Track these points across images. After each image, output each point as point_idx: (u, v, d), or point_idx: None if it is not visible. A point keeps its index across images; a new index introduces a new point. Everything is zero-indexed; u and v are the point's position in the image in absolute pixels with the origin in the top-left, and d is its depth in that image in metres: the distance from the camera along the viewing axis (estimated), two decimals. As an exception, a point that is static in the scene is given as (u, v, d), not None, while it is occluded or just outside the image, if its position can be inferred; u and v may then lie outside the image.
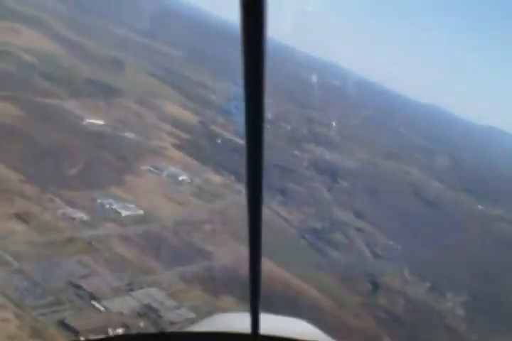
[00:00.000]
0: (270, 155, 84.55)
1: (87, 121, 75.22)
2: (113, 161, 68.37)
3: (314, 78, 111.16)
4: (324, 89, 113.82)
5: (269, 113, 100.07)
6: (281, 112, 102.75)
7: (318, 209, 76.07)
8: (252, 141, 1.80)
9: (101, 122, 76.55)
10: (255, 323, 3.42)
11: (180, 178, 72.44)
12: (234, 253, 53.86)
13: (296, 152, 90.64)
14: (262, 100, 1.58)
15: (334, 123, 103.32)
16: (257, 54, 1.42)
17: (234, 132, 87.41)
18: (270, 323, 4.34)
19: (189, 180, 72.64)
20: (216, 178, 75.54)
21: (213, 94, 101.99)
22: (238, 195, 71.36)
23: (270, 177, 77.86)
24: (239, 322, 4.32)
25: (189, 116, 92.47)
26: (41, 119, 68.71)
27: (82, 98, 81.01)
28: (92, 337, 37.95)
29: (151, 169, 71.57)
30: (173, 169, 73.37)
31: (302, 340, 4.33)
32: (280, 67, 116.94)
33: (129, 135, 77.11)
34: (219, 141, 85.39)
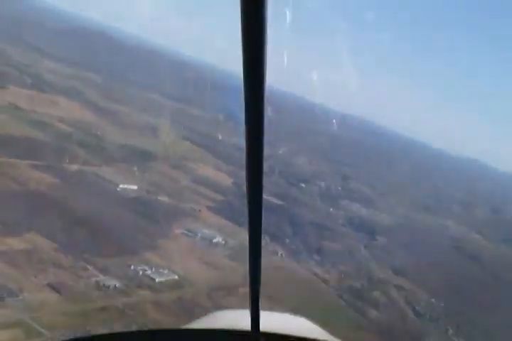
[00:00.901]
0: (305, 214, 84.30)
1: (121, 186, 76.26)
2: (147, 226, 68.70)
3: (347, 135, 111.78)
4: (358, 145, 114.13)
5: (302, 172, 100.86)
6: (314, 170, 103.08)
7: (356, 267, 74.57)
8: (252, 141, 1.77)
9: (135, 187, 77.49)
10: (255, 320, 3.52)
11: (214, 240, 72.19)
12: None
13: (331, 209, 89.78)
14: (262, 102, 1.58)
15: (369, 179, 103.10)
16: (257, 54, 1.44)
17: (268, 192, 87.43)
18: (270, 320, 4.43)
19: (223, 242, 72.26)
20: (251, 239, 74.80)
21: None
22: (274, 255, 70.77)
23: (306, 236, 77.30)
24: (239, 319, 4.46)
25: (223, 178, 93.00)
26: (75, 187, 70.07)
27: (116, 164, 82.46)
28: None
29: (185, 232, 71.58)
30: (207, 231, 73.26)
31: (302, 337, 4.36)
32: (310, 124, 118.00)
33: (163, 198, 77.68)
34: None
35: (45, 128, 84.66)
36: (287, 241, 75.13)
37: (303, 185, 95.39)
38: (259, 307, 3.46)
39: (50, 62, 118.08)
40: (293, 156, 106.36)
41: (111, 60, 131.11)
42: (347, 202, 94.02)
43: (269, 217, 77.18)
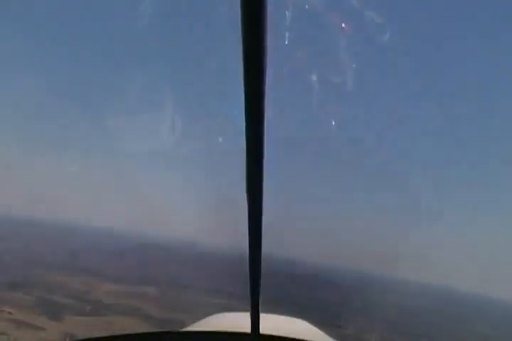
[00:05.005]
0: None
1: None
2: None
3: (412, 303, 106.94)
4: (428, 312, 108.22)
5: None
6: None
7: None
8: (252, 142, 1.81)
9: None
10: (255, 322, 3.42)
11: None
12: None
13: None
14: (262, 102, 1.61)
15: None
16: (257, 53, 1.44)
17: None
18: (270, 322, 4.47)
19: None
20: None
21: None
22: None
23: None
24: (239, 321, 4.48)
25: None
26: None
27: None
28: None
29: None
30: None
31: (302, 340, 4.29)
32: (376, 296, 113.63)
33: None
34: None
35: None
36: None
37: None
38: (259, 310, 3.35)
39: (107, 285, 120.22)
40: (364, 333, 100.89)
41: (166, 270, 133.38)
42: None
43: None
